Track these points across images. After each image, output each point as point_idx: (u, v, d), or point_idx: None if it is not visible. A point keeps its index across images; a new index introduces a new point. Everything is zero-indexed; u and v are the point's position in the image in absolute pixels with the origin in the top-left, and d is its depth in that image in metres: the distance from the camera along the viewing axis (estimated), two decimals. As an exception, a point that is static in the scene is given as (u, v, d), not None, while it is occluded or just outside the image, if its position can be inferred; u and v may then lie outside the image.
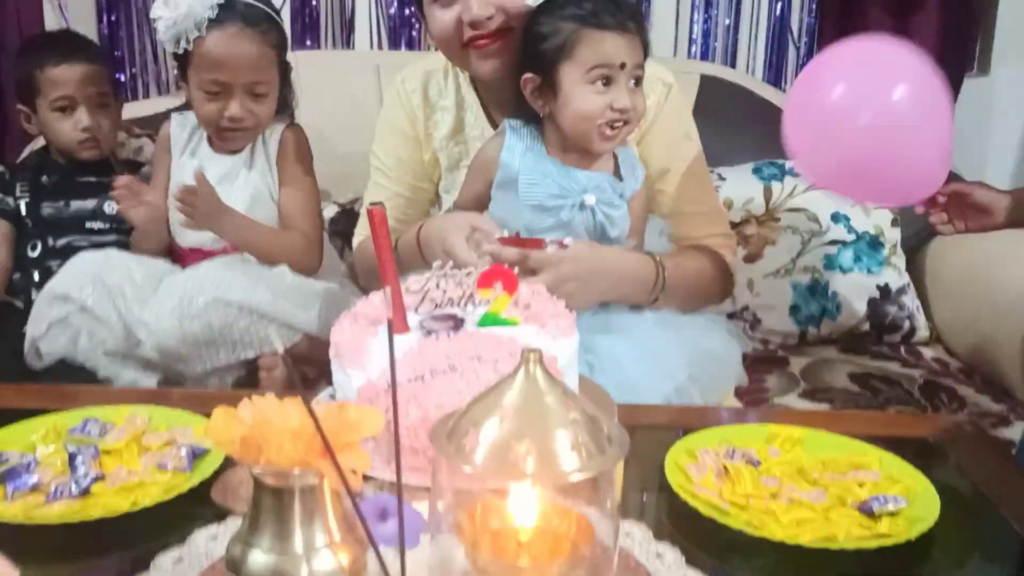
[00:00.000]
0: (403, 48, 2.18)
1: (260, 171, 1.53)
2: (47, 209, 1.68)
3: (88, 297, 1.38)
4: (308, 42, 2.15)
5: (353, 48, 2.20)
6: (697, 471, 0.86)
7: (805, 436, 0.94)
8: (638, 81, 1.27)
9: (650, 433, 0.98)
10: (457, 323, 0.92)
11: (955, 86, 2.22)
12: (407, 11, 2.16)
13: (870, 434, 0.95)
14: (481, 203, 1.33)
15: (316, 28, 2.16)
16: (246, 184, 1.52)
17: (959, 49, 2.25)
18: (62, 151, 1.67)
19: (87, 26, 2.07)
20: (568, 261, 1.21)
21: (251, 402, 0.61)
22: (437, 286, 0.96)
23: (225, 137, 1.52)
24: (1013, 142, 2.36)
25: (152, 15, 1.48)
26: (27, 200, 1.68)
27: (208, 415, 0.61)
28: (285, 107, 1.57)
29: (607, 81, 1.24)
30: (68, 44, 1.68)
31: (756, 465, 0.88)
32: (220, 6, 1.43)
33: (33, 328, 1.41)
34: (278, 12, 1.55)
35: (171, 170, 1.57)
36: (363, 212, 1.52)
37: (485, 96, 1.44)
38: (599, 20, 1.25)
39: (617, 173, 1.33)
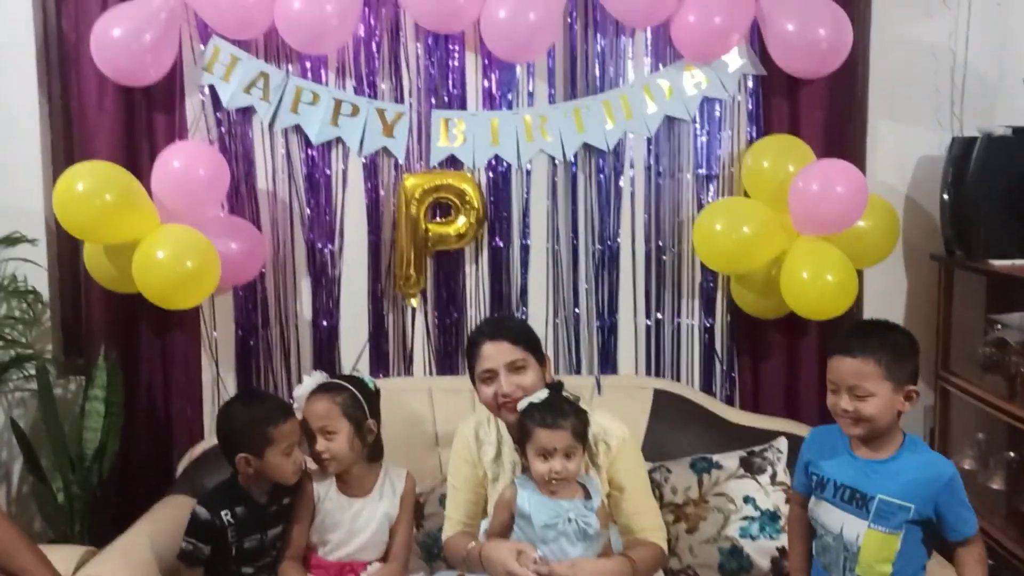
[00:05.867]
0: (448, 375, 2.99)
1: (388, 505, 2.33)
2: (248, 543, 2.25)
3: None
4: (379, 373, 3.00)
5: (412, 375, 3.02)
6: None
7: None
8: (569, 454, 2.10)
9: None
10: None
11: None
12: (449, 348, 3.04)
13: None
14: (506, 529, 2.17)
15: (386, 362, 3.03)
16: (375, 514, 2.31)
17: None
18: (276, 480, 2.25)
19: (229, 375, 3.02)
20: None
21: None
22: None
23: (323, 465, 2.27)
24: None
25: (294, 399, 2.37)
26: (235, 541, 2.22)
27: None
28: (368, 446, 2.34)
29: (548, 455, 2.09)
30: (282, 405, 2.32)
31: None
32: (318, 387, 2.32)
33: None
34: (350, 384, 2.34)
35: (315, 511, 2.30)
36: (447, 519, 2.33)
37: (512, 434, 2.27)
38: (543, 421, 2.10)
39: (587, 496, 2.18)
